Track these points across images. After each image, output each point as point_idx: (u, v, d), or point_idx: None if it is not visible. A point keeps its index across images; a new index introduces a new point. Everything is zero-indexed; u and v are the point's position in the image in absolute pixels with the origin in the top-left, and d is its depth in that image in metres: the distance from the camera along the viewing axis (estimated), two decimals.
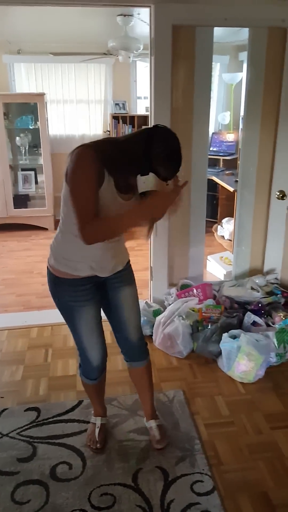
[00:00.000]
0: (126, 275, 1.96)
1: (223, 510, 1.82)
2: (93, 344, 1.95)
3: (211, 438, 2.20)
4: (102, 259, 1.81)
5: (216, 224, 5.31)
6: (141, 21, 3.98)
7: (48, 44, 5.36)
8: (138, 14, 3.89)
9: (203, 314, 2.93)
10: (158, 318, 2.99)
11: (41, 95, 5.23)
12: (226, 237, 4.96)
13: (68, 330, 3.10)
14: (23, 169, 5.73)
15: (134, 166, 1.60)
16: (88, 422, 2.28)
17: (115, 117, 5.81)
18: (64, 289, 1.84)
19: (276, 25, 2.93)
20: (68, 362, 2.81)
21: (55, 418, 2.34)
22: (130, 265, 2.02)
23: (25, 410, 2.40)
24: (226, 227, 5.01)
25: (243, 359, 2.57)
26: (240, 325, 2.89)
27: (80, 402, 2.44)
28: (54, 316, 3.32)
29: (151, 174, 1.56)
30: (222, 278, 4.01)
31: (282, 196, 3.19)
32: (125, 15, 3.94)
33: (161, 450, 2.10)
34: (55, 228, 5.54)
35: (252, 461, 2.07)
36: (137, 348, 2.06)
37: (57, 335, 3.13)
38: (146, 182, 1.56)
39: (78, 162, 1.56)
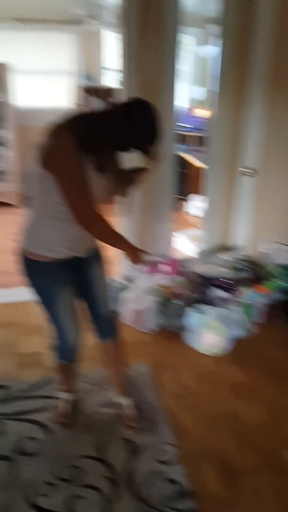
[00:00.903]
0: (97, 253, 1.96)
1: (187, 477, 1.87)
2: (70, 325, 1.92)
3: (176, 409, 2.25)
4: (80, 239, 1.78)
5: (183, 201, 5.32)
6: None
7: (12, 11, 5.11)
8: None
9: (171, 290, 2.95)
10: (126, 294, 3.00)
11: (4, 65, 5.03)
12: (194, 213, 4.98)
13: (33, 308, 3.11)
14: None
15: (114, 144, 1.53)
16: (55, 398, 2.28)
17: (87, 90, 5.66)
18: (41, 272, 1.79)
19: None
20: (34, 340, 2.79)
21: (21, 395, 2.33)
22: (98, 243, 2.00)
23: None
24: (193, 204, 5.03)
25: (210, 332, 2.62)
26: (207, 300, 2.93)
27: (46, 379, 2.44)
28: (19, 294, 3.34)
29: (133, 151, 1.51)
30: (189, 255, 4.04)
31: (251, 173, 3.21)
32: None
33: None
34: (22, 205, 5.49)
35: (215, 430, 2.13)
36: (109, 323, 2.05)
37: (23, 313, 3.09)
38: (129, 159, 1.52)
39: (61, 147, 1.51)
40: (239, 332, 2.75)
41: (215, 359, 2.64)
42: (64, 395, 2.22)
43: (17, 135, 5.35)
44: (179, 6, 2.92)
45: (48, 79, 5.75)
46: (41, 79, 5.73)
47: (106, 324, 2.06)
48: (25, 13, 5.15)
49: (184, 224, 4.92)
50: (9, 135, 5.30)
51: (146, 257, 1.82)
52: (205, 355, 2.67)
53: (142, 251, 1.79)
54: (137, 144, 1.52)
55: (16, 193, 5.47)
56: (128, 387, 2.29)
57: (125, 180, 1.68)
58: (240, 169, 3.25)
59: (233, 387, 2.42)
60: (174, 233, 4.23)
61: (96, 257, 1.95)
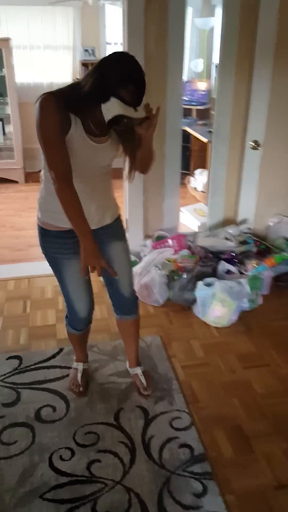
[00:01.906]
0: (115, 230, 1.95)
1: (201, 442, 1.95)
2: (79, 297, 1.98)
3: (187, 378, 2.33)
4: (85, 210, 1.76)
5: (189, 176, 5.31)
6: None
7: None
8: None
9: (179, 264, 3.00)
10: (135, 269, 3.04)
11: (6, 40, 4.96)
12: (199, 188, 4.99)
13: (44, 281, 3.19)
14: None
15: (93, 99, 1.54)
16: (69, 368, 2.35)
17: (84, 64, 5.59)
18: (51, 241, 1.85)
19: None
20: (47, 313, 2.85)
21: (37, 365, 2.41)
22: (121, 220, 2.00)
23: (7, 359, 2.45)
24: (199, 179, 5.03)
25: (217, 305, 2.68)
26: (214, 274, 2.98)
27: (61, 350, 2.51)
28: (30, 268, 3.41)
29: (113, 99, 1.49)
30: (196, 230, 4.07)
31: (255, 146, 3.22)
32: None
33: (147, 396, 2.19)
34: (26, 181, 5.49)
35: (226, 398, 2.20)
36: (129, 303, 2.08)
37: (34, 287, 3.15)
38: (110, 108, 1.51)
39: (41, 111, 1.53)
40: (246, 304, 2.81)
41: (223, 331, 2.71)
42: (78, 365, 2.30)
43: (19, 111, 5.30)
44: None
45: (49, 54, 5.66)
46: (42, 54, 5.64)
47: (126, 303, 2.09)
48: None
49: (190, 199, 4.94)
50: (11, 111, 5.25)
51: (97, 264, 1.66)
52: (213, 326, 2.73)
53: (98, 255, 1.67)
54: (116, 94, 1.48)
55: (18, 170, 5.46)
56: (140, 358, 2.36)
57: (123, 135, 1.70)
58: (248, 143, 3.25)
59: (241, 356, 2.49)
60: (181, 208, 4.26)
61: (113, 233, 1.94)
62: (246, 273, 2.98)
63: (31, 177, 5.53)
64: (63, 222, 1.75)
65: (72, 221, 1.65)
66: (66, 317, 2.13)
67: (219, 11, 5.20)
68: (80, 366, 2.29)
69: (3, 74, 5.10)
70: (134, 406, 2.15)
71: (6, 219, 4.44)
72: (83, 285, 1.96)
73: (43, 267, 3.38)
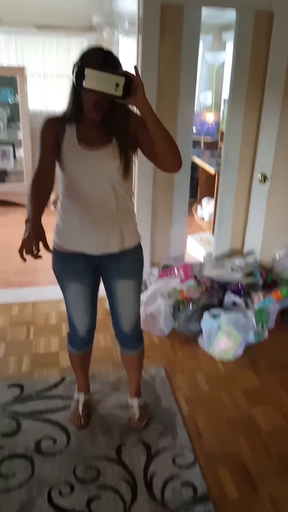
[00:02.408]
0: (126, 265, 1.84)
1: (204, 481, 1.90)
2: (78, 315, 1.98)
3: (191, 413, 2.28)
4: (80, 229, 1.75)
5: (195, 204, 5.35)
6: None
7: (30, 16, 5.17)
8: None
9: (185, 294, 2.99)
10: (141, 297, 3.02)
11: (21, 68, 5.09)
12: (206, 218, 5.01)
13: (49, 307, 3.18)
14: (0, 143, 5.60)
15: (74, 94, 1.61)
16: (71, 398, 2.31)
17: None
18: (55, 259, 1.86)
19: (263, 8, 2.93)
20: (50, 340, 2.83)
21: (38, 395, 2.37)
22: (137, 253, 1.87)
23: (8, 387, 2.42)
24: (205, 208, 5.06)
25: (223, 337, 2.65)
26: (220, 305, 2.96)
27: (63, 379, 2.48)
28: (35, 293, 3.40)
29: (87, 70, 1.42)
30: (201, 259, 4.07)
31: (264, 179, 3.24)
32: None
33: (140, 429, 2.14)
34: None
35: (231, 435, 2.15)
36: (129, 338, 2.05)
37: (39, 312, 3.14)
38: (87, 80, 1.42)
39: (40, 129, 1.67)
40: (252, 337, 2.78)
41: (229, 364, 2.67)
42: (79, 396, 2.26)
43: (31, 136, 5.39)
44: (199, 16, 2.95)
45: (62, 82, 5.78)
46: (55, 82, 5.77)
47: (127, 338, 2.06)
48: (44, 19, 5.20)
49: (197, 227, 4.96)
50: (23, 136, 5.34)
51: (35, 247, 1.43)
52: (219, 359, 2.69)
53: (40, 237, 1.44)
54: (79, 69, 1.44)
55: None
56: (144, 390, 2.32)
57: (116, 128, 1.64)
58: (257, 175, 3.28)
59: (247, 392, 2.44)
60: (188, 237, 4.27)
61: (122, 267, 1.84)
62: (252, 305, 2.95)
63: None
64: (67, 244, 1.80)
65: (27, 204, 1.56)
66: (68, 334, 2.12)
67: (229, 46, 5.35)
68: (81, 397, 2.24)
69: (16, 101, 5.21)
70: (137, 441, 2.10)
71: (13, 242, 4.41)
72: (82, 308, 1.95)
73: (48, 292, 3.46)
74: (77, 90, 1.58)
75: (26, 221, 1.49)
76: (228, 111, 3.30)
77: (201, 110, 5.95)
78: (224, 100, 5.40)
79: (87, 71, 1.42)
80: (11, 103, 5.32)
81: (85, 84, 1.43)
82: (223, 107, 5.54)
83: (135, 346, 2.09)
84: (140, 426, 2.15)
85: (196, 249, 4.26)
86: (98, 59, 1.52)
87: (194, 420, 2.23)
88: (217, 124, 5.81)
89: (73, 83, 1.56)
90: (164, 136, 1.57)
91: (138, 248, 1.88)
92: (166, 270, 3.30)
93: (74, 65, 1.48)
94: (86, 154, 1.64)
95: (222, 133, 5.26)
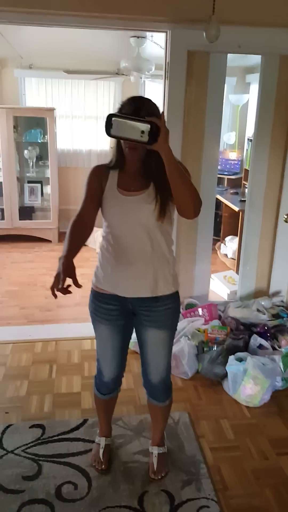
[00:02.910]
0: (157, 312, 1.80)
1: None
2: (105, 362, 1.97)
3: (216, 462, 2.19)
4: (115, 270, 1.78)
5: (219, 242, 5.34)
6: (154, 43, 4.04)
7: (59, 61, 5.43)
8: (152, 36, 3.95)
9: (209, 335, 2.94)
10: None
11: (51, 110, 5.29)
12: (230, 255, 4.98)
13: (71, 345, 3.18)
14: (29, 181, 5.76)
15: (116, 148, 1.71)
16: (92, 442, 2.26)
17: None
18: (91, 298, 1.90)
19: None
20: (72, 379, 2.80)
21: (60, 436, 2.33)
22: (170, 302, 1.81)
23: (30, 427, 2.38)
24: (229, 246, 5.03)
25: (249, 382, 2.57)
26: (246, 348, 2.89)
27: (85, 421, 2.43)
28: (58, 330, 3.40)
29: (114, 121, 1.51)
30: (225, 298, 4.02)
31: None
32: (138, 37, 4.01)
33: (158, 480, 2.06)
34: (59, 241, 5.62)
35: (257, 487, 2.06)
36: (157, 390, 2.00)
37: (61, 350, 3.12)
38: (114, 128, 1.52)
39: (88, 174, 1.79)
40: (279, 383, 2.69)
41: (255, 411, 2.58)
42: (100, 440, 2.20)
43: (58, 175, 5.54)
44: (225, 61, 3.04)
45: (89, 123, 5.97)
46: (82, 123, 5.96)
47: (153, 389, 2.01)
48: (73, 64, 5.45)
49: (220, 265, 4.93)
50: (51, 175, 5.49)
51: (61, 284, 1.49)
52: (244, 405, 2.61)
53: (69, 275, 1.50)
54: (107, 119, 1.51)
55: (53, 229, 5.62)
56: (167, 435, 2.26)
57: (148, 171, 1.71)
58: (283, 216, 3.26)
59: (274, 441, 2.35)
60: (211, 275, 4.24)
61: (155, 316, 1.81)
62: (279, 349, 2.88)
63: (64, 236, 5.65)
64: (101, 284, 1.83)
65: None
66: (95, 377, 2.10)
67: (253, 88, 5.46)
68: (102, 441, 2.19)
69: (45, 141, 5.39)
70: (159, 490, 2.02)
71: (37, 278, 4.51)
72: (110, 351, 1.93)
73: (71, 330, 3.46)
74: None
75: (60, 259, 1.57)
76: (253, 151, 3.34)
77: (224, 149, 6.03)
78: (248, 138, 5.47)
79: (114, 120, 1.52)
80: (40, 141, 5.50)
81: (112, 131, 1.53)
82: (246, 145, 5.61)
83: (162, 399, 2.03)
84: (156, 477, 2.07)
85: (220, 287, 4.22)
86: (130, 108, 1.62)
87: (218, 469, 2.15)
88: (241, 161, 5.87)
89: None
90: (183, 183, 1.58)
91: (174, 297, 1.84)
92: (189, 310, 3.27)
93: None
94: (123, 198, 1.71)
95: (245, 171, 5.31)
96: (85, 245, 1.74)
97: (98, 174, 1.76)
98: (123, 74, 5.24)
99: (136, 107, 1.61)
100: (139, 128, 1.49)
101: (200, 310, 3.22)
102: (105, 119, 1.52)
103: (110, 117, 1.51)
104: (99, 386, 2.07)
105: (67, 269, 1.52)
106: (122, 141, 1.65)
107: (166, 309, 1.81)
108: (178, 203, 1.64)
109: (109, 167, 1.77)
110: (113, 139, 1.66)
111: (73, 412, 2.51)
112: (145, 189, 1.70)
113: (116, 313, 1.86)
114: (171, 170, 1.55)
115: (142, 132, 1.49)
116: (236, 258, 4.59)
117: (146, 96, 1.74)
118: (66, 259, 1.55)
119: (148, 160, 1.67)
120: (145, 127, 1.48)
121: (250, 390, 2.58)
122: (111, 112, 1.58)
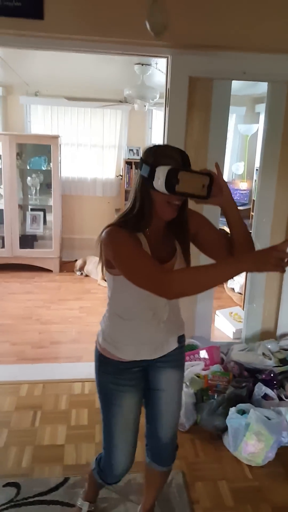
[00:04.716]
0: (175, 354, 1.66)
1: None
2: (123, 443, 1.65)
3: None
4: (154, 339, 1.59)
5: None
6: (159, 70, 3.94)
7: (64, 89, 5.39)
8: (156, 63, 3.85)
9: (209, 381, 2.68)
10: None
11: (56, 137, 5.19)
12: (237, 289, 4.74)
13: (60, 388, 2.91)
14: (32, 209, 5.64)
15: (141, 197, 1.43)
16: (72, 506, 2.01)
17: (128, 163, 5.74)
18: (108, 370, 1.62)
19: None
20: (57, 429, 2.54)
21: (35, 498, 2.07)
22: (183, 340, 1.71)
23: (3, 485, 2.13)
24: (236, 279, 4.79)
25: (252, 438, 2.30)
26: (249, 397, 2.62)
27: (65, 480, 2.17)
28: (48, 371, 3.17)
29: (182, 172, 1.32)
30: (231, 336, 3.76)
31: None
32: (142, 64, 3.91)
33: None
34: (60, 270, 5.45)
35: None
36: (166, 450, 1.75)
37: (49, 394, 2.87)
38: (184, 181, 1.32)
39: (114, 239, 1.42)
40: (285, 439, 2.41)
41: (258, 471, 2.29)
42: (83, 505, 1.95)
43: (61, 203, 5.42)
44: (229, 89, 2.88)
45: (94, 151, 5.88)
46: (88, 151, 5.87)
47: (161, 450, 1.75)
48: (79, 92, 5.41)
49: (226, 300, 4.68)
50: (53, 203, 5.36)
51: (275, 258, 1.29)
52: (246, 464, 2.33)
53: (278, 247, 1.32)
54: (172, 173, 1.33)
55: (54, 259, 5.45)
56: (159, 502, 1.99)
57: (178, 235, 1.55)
58: None
59: (277, 509, 2.06)
60: (216, 312, 4.00)
61: (174, 357, 1.66)
62: (286, 399, 2.60)
63: (65, 266, 5.51)
64: (124, 354, 1.58)
65: (214, 281, 1.39)
66: (97, 462, 1.79)
67: (263, 118, 5.32)
68: (85, 506, 1.93)
69: (49, 168, 5.28)
70: None
71: (33, 311, 4.30)
72: (132, 429, 1.65)
73: (62, 371, 3.22)
74: (149, 193, 1.42)
75: (240, 268, 1.36)
76: (259, 181, 3.16)
77: (233, 179, 5.87)
78: (256, 169, 5.31)
79: (182, 174, 1.32)
80: (44, 169, 5.40)
81: (178, 188, 1.33)
82: (255, 176, 5.44)
83: (168, 462, 1.78)
84: None
85: (225, 325, 3.96)
86: (178, 159, 1.40)
87: None
88: (249, 192, 5.69)
89: (142, 185, 1.42)
90: (243, 226, 1.54)
91: (183, 335, 1.72)
92: (190, 352, 3.01)
93: (149, 165, 1.37)
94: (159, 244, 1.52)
95: (254, 202, 5.12)
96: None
97: (131, 234, 1.44)
98: (127, 102, 5.16)
99: (185, 157, 1.42)
100: (201, 182, 1.37)
101: (200, 352, 2.97)
102: (164, 174, 1.31)
103: (175, 171, 1.31)
104: (105, 476, 1.76)
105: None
106: (157, 194, 1.39)
107: (181, 346, 1.69)
108: (239, 246, 1.53)
109: (131, 228, 1.44)
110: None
111: (54, 469, 2.25)
112: (174, 251, 1.55)
113: (139, 374, 1.62)
114: (238, 219, 1.50)
115: (203, 186, 1.38)
116: (243, 293, 4.34)
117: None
118: (249, 262, 1.33)
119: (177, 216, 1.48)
120: (206, 179, 1.38)
121: (252, 447, 2.30)
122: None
